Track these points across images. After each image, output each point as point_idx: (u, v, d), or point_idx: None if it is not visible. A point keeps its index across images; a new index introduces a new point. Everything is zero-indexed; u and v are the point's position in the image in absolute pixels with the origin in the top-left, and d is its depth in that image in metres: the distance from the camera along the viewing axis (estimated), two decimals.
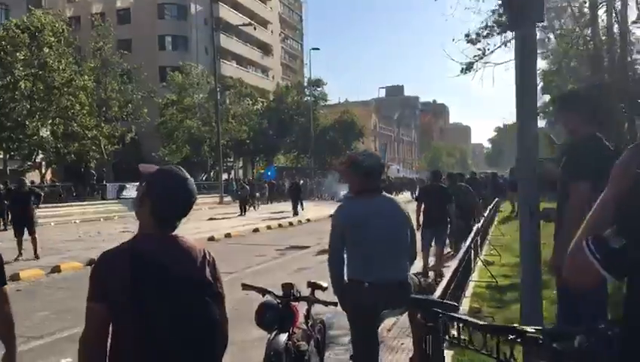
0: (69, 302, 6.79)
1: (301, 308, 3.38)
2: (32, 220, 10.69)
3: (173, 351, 1.77)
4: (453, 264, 5.13)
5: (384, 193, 3.40)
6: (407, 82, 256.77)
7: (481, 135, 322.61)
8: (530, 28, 3.44)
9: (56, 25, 27.05)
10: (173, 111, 38.01)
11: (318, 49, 58.78)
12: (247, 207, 24.88)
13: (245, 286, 3.32)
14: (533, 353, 1.73)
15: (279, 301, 3.21)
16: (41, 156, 28.31)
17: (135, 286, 1.73)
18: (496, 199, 17.22)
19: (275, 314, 3.13)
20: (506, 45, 12.91)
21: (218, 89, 34.33)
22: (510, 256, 8.82)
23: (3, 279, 2.35)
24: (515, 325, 1.96)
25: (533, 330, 1.68)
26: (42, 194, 15.52)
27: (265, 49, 60.50)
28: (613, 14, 13.35)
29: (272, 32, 63.00)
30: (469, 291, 6.01)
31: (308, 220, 20.54)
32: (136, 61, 34.31)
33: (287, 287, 3.27)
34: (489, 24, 12.46)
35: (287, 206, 24.90)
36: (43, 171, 29.20)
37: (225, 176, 38.05)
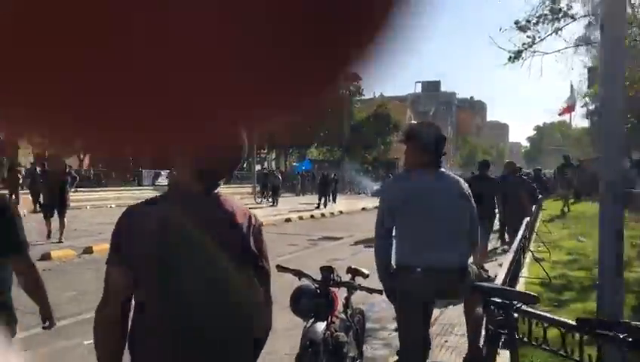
0: (98, 284, 6.57)
1: (340, 295, 3.01)
2: (65, 203, 10.32)
3: (205, 334, 1.38)
4: (508, 256, 4.66)
5: (443, 169, 2.97)
6: (444, 77, 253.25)
7: (520, 133, 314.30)
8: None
9: None
10: None
11: None
12: (267, 199, 24.39)
13: (280, 268, 2.95)
14: None
15: (317, 286, 2.85)
16: None
17: (162, 252, 1.37)
18: (540, 196, 16.47)
19: (311, 300, 2.77)
20: (557, 33, 12.24)
21: None
22: (560, 254, 8.25)
23: (17, 246, 2.19)
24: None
25: None
26: (77, 176, 15.74)
27: None
28: None
29: None
30: (519, 287, 5.51)
31: (340, 212, 20.20)
32: None
33: (327, 271, 2.90)
34: (543, 12, 11.78)
35: (315, 199, 24.23)
36: (81, 157, 29.75)
37: (258, 168, 38.11)
